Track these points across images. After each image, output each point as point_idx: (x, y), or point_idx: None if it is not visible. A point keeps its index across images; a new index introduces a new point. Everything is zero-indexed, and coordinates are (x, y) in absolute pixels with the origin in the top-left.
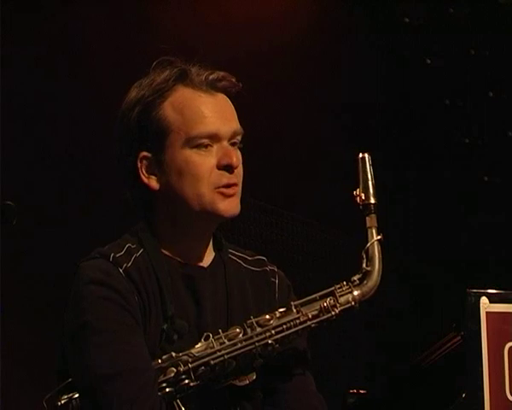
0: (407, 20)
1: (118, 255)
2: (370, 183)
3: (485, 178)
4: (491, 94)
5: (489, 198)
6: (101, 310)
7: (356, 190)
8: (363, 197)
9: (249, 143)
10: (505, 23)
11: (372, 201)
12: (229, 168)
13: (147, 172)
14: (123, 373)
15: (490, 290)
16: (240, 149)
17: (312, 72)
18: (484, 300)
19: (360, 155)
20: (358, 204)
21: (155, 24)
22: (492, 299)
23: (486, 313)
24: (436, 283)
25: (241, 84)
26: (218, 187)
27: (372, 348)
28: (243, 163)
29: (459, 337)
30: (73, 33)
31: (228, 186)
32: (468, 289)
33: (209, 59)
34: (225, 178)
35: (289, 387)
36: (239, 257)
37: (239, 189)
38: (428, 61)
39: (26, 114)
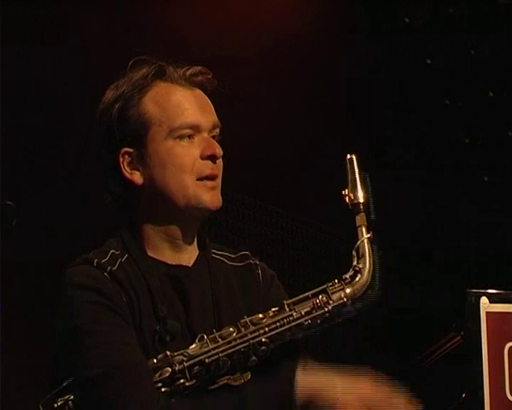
0: (407, 20)
1: (102, 261)
2: (358, 182)
3: (485, 178)
4: (491, 94)
5: (489, 198)
6: (89, 313)
7: (344, 190)
8: (352, 197)
9: (249, 142)
10: (505, 23)
11: (361, 200)
12: (212, 158)
13: (129, 167)
14: (118, 370)
15: (490, 290)
16: (218, 141)
17: (312, 72)
18: (484, 300)
19: (348, 156)
20: (347, 204)
21: (155, 24)
22: (492, 299)
23: (486, 313)
24: (436, 283)
25: (216, 81)
26: (201, 178)
27: (372, 348)
28: (240, 159)
29: (459, 337)
30: (73, 33)
31: (211, 178)
32: (468, 289)
33: (209, 58)
34: (208, 168)
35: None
36: (222, 255)
37: (220, 181)
38: (428, 61)
39: (26, 114)
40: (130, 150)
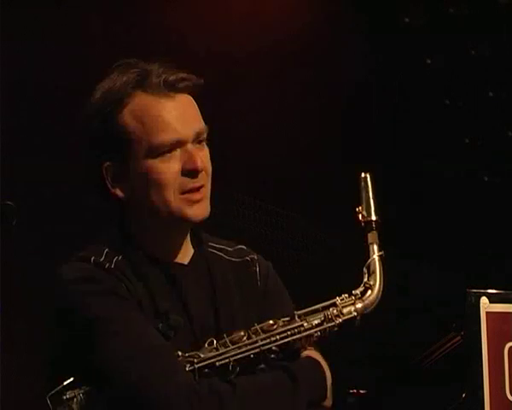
0: (407, 20)
1: (100, 260)
2: (372, 201)
3: (485, 178)
4: (491, 94)
5: (489, 198)
6: (99, 303)
7: (358, 207)
8: (365, 214)
9: (249, 142)
10: (505, 23)
11: (373, 218)
12: (193, 173)
13: (113, 181)
14: (149, 353)
15: (490, 290)
16: (207, 144)
17: (312, 72)
18: (484, 300)
19: (362, 175)
20: (360, 221)
21: (155, 24)
22: (492, 299)
23: (486, 313)
24: (436, 283)
25: (202, 81)
26: (185, 192)
27: (372, 348)
28: (239, 155)
29: (459, 337)
30: (73, 33)
31: (194, 190)
32: (468, 289)
33: (208, 58)
34: (190, 183)
35: None
36: (219, 249)
37: (207, 190)
38: (428, 61)
39: (26, 114)
40: (112, 164)
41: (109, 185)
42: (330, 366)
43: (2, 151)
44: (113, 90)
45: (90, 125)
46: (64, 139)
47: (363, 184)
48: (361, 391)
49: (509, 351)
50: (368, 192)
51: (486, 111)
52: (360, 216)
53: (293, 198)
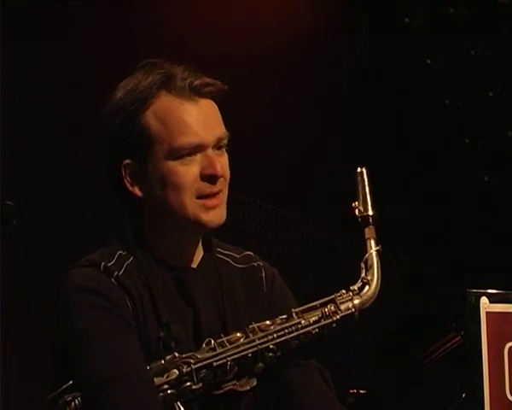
0: (407, 20)
1: (109, 264)
2: (368, 195)
3: (485, 178)
4: (491, 94)
5: (489, 198)
6: (91, 317)
7: (354, 202)
8: (362, 209)
9: (250, 142)
10: (505, 23)
11: (370, 212)
12: (212, 178)
13: (131, 179)
14: (118, 378)
15: (490, 290)
16: (227, 150)
17: (312, 72)
18: (484, 300)
19: (358, 170)
20: (357, 216)
21: (155, 24)
22: (492, 299)
23: (486, 313)
24: (436, 283)
25: (226, 87)
26: (201, 197)
27: (372, 348)
28: (238, 160)
29: (459, 337)
30: (73, 33)
31: (211, 196)
32: (468, 289)
33: (208, 58)
34: (209, 187)
35: (292, 380)
36: (227, 255)
37: (224, 196)
38: (428, 61)
39: (26, 114)
40: (132, 163)
41: (128, 183)
42: (331, 365)
43: (2, 151)
44: (137, 89)
45: (111, 123)
46: (64, 139)
47: (359, 178)
48: (361, 391)
49: (509, 351)
50: (364, 187)
51: (486, 111)
52: (357, 211)
53: (293, 198)
